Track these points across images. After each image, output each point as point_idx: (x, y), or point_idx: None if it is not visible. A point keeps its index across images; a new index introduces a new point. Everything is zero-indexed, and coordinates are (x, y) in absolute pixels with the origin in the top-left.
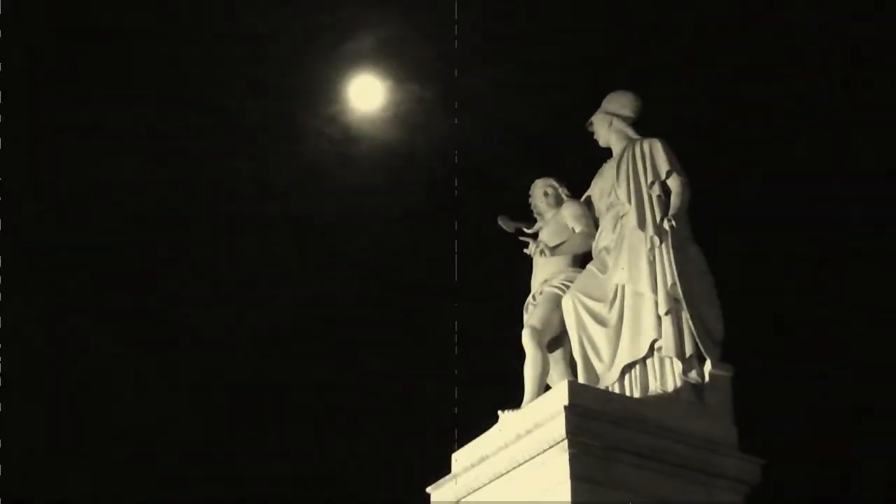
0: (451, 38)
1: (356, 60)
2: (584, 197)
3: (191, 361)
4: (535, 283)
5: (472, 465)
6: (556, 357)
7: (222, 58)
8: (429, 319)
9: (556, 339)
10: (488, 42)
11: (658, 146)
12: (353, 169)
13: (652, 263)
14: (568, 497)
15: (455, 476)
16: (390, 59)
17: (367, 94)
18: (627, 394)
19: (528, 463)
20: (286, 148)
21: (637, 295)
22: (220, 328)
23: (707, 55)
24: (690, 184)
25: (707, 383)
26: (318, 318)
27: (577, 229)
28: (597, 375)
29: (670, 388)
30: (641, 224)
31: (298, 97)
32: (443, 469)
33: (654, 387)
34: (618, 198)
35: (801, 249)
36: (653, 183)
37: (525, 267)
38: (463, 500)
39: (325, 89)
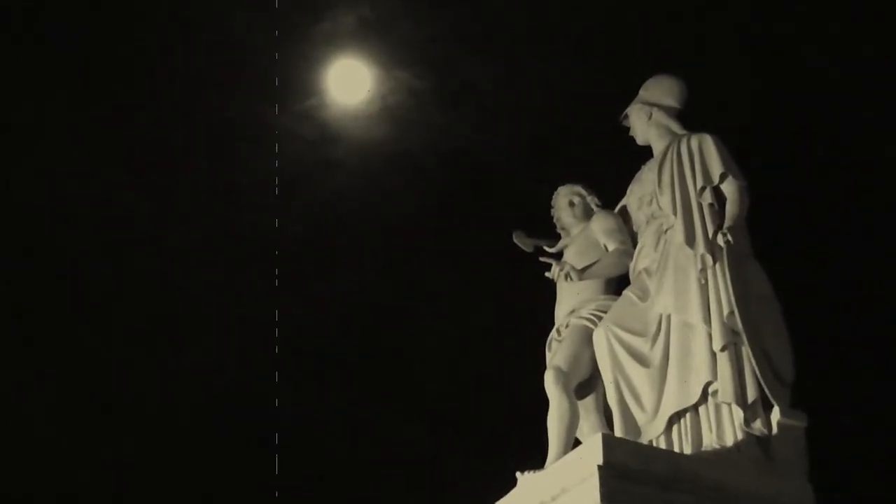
0: (449, 15)
1: (334, 44)
2: (618, 207)
3: (138, 412)
4: (560, 313)
5: None
6: (587, 405)
7: (171, 44)
8: (427, 357)
9: (587, 383)
10: (493, 21)
11: (709, 143)
12: (333, 175)
13: (704, 288)
14: None
15: None
16: (375, 42)
17: (347, 85)
18: (676, 449)
19: None
20: (250, 151)
21: (686, 327)
22: (172, 370)
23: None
24: (750, 189)
25: (775, 435)
26: (293, 355)
27: (611, 247)
28: (637, 427)
29: (729, 441)
30: (690, 239)
31: (264, 90)
32: None
33: (709, 440)
34: (660, 207)
35: None
36: (703, 188)
37: (547, 293)
38: None
39: (296, 80)
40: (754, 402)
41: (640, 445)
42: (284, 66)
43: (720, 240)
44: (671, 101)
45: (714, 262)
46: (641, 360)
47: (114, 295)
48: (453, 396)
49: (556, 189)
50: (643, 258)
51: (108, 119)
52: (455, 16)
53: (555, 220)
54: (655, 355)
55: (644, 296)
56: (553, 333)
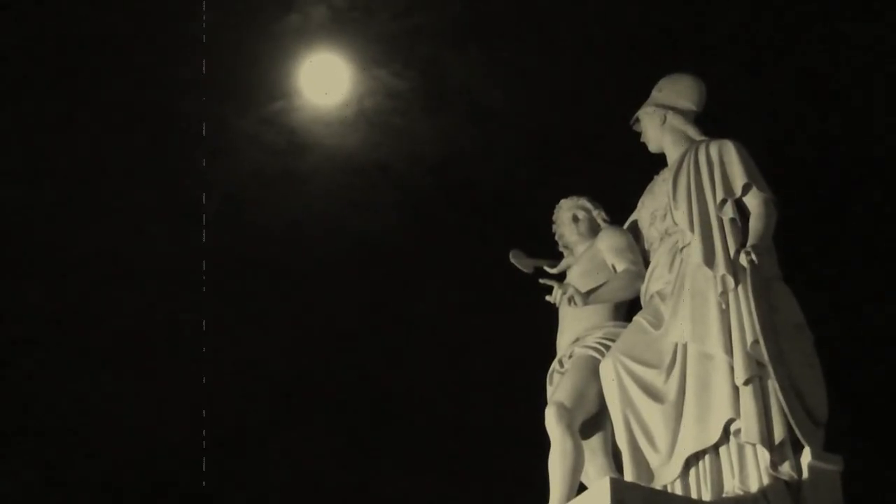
0: (434, 6)
1: (303, 39)
2: (628, 223)
3: (90, 457)
4: (563, 342)
5: None
6: (593, 445)
7: (121, 39)
8: (410, 391)
9: (593, 421)
10: (482, 13)
11: (731, 150)
12: (301, 187)
13: (725, 314)
14: None
15: None
16: (350, 37)
17: (318, 86)
18: (694, 495)
19: None
20: (209, 160)
21: (705, 358)
22: (123, 409)
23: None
24: (777, 202)
25: (806, 480)
26: (256, 390)
27: (620, 267)
28: (650, 470)
29: (754, 487)
30: (709, 259)
31: (225, 91)
32: None
33: (732, 485)
34: (675, 223)
35: None
36: (724, 202)
37: (548, 319)
38: None
39: (260, 80)
40: (782, 442)
41: (654, 491)
42: (247, 65)
43: (743, 259)
44: (688, 104)
45: (736, 285)
46: (654, 394)
47: (51, 322)
48: (441, 435)
49: (558, 202)
50: (656, 280)
51: (45, 124)
52: (441, 7)
53: (557, 238)
54: (670, 389)
55: (657, 322)
56: (555, 365)
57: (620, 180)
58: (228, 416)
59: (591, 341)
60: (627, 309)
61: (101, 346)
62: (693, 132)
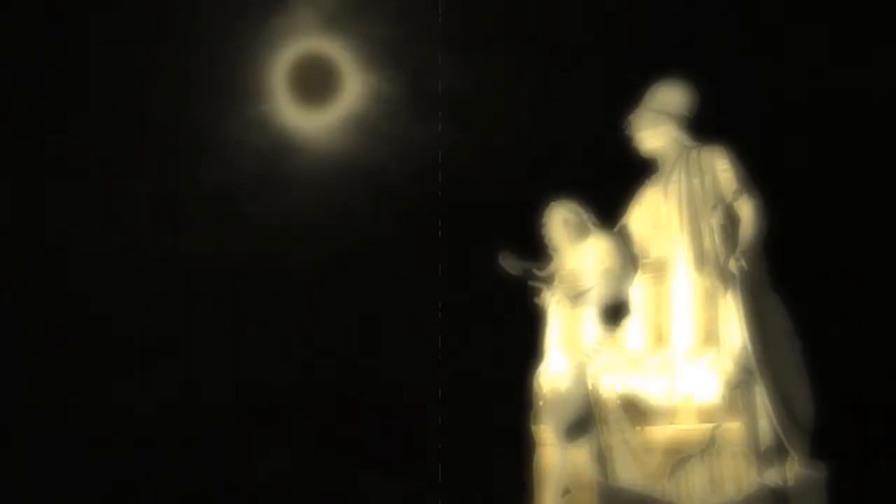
0: (425, 11)
1: (292, 42)
2: (618, 227)
3: (84, 456)
4: (551, 344)
5: None
6: (581, 449)
7: (105, 35)
8: (398, 396)
9: (580, 424)
10: (474, 18)
11: (723, 156)
12: (287, 191)
13: (714, 319)
14: None
15: None
16: (339, 40)
17: (307, 89)
18: (680, 500)
19: None
20: (193, 163)
21: (694, 364)
22: (101, 416)
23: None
24: (768, 207)
25: (792, 487)
26: (242, 394)
27: (609, 272)
28: (637, 475)
29: (740, 493)
30: (699, 264)
31: (210, 92)
32: None
33: (718, 492)
34: (666, 228)
35: None
36: (715, 207)
37: (537, 322)
38: None
39: (247, 81)
40: (768, 449)
41: (640, 495)
42: (233, 66)
43: (733, 265)
44: (680, 110)
45: (725, 291)
46: (643, 399)
47: (43, 321)
48: (432, 439)
49: (548, 205)
50: (644, 285)
51: (38, 125)
52: (432, 12)
53: (546, 241)
54: (659, 394)
55: (644, 327)
56: (542, 367)
57: (611, 185)
58: (214, 419)
59: (579, 344)
60: (616, 312)
61: (91, 347)
62: (685, 138)
